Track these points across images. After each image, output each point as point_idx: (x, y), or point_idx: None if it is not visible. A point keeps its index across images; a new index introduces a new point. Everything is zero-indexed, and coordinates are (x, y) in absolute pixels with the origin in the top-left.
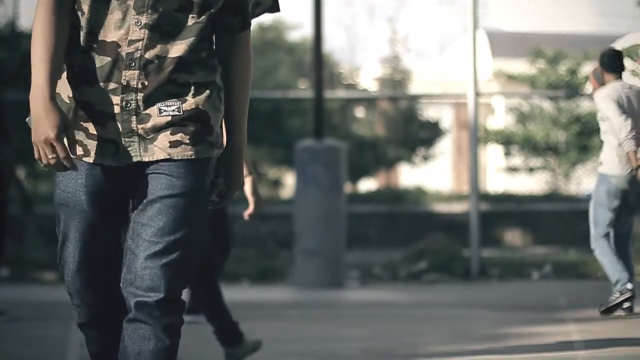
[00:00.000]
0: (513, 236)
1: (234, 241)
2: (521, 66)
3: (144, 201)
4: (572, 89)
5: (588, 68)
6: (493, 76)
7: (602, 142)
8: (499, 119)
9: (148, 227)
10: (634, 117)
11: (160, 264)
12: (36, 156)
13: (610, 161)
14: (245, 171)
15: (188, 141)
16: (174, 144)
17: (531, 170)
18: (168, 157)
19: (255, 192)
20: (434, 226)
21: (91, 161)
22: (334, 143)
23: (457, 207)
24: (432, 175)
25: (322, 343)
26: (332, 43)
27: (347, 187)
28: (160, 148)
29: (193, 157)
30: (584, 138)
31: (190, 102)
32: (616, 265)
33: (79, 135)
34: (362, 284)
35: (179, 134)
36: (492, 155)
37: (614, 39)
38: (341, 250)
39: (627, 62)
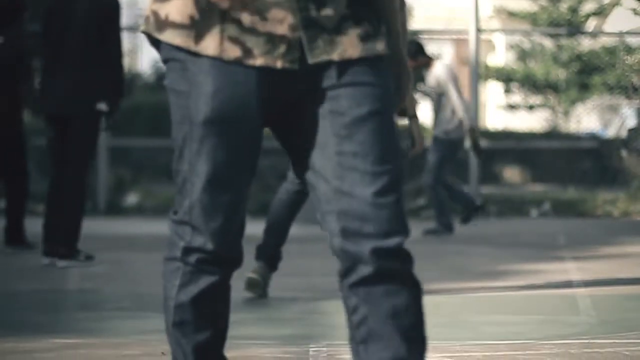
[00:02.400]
0: (512, 173)
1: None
2: (522, 3)
3: (343, 121)
4: (573, 27)
5: (589, 6)
6: (494, 13)
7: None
8: (500, 56)
9: (364, 155)
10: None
11: (393, 200)
12: None
13: (454, 130)
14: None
15: (376, 32)
16: (364, 37)
17: (531, 107)
18: (363, 55)
19: (419, 133)
20: None
21: (258, 64)
22: None
23: None
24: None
25: (323, 278)
26: None
27: None
28: (351, 43)
29: (384, 52)
30: (584, 76)
31: None
32: (464, 194)
33: (232, 31)
34: None
35: (364, 23)
36: (492, 93)
37: None
38: None
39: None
